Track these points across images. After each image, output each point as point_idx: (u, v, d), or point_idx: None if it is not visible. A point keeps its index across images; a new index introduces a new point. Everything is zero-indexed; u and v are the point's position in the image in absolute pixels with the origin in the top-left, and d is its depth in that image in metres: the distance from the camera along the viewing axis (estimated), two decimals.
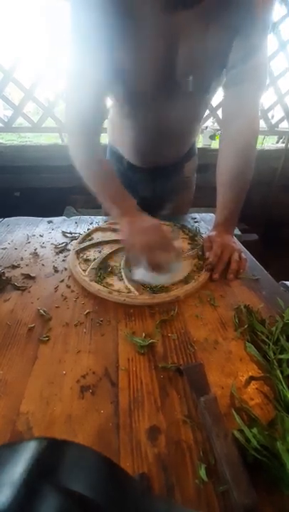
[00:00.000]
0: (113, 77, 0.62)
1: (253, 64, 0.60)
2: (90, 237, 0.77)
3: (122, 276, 0.61)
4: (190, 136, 0.85)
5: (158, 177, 0.88)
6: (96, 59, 0.57)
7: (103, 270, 0.63)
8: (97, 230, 0.80)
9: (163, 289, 0.57)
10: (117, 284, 0.59)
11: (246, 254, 0.72)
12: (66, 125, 0.65)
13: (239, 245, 0.73)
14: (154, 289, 0.57)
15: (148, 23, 0.54)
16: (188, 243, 0.76)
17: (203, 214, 0.96)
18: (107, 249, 0.70)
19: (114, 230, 0.80)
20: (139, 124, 0.75)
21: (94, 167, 0.63)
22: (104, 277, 0.61)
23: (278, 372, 0.40)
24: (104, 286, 0.57)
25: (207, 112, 1.68)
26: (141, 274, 0.57)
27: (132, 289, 0.57)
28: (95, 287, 0.56)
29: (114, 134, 0.87)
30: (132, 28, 0.54)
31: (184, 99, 0.67)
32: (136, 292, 0.56)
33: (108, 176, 0.64)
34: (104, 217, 0.91)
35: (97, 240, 0.74)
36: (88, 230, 0.79)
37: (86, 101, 0.59)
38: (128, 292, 0.56)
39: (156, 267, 0.56)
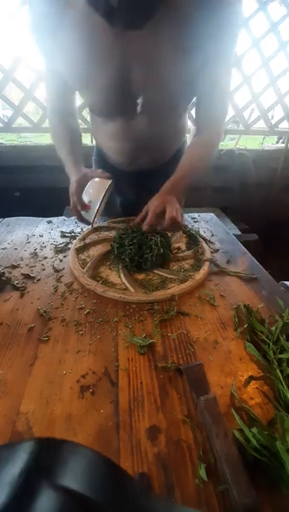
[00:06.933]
0: (76, 87, 0.68)
1: (220, 90, 0.64)
2: (89, 236, 0.77)
3: (119, 274, 0.61)
4: (171, 142, 0.84)
5: (143, 179, 0.85)
6: (53, 64, 0.63)
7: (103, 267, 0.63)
8: (96, 229, 0.81)
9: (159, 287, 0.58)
10: (114, 281, 0.60)
11: (246, 254, 0.73)
12: (47, 111, 0.79)
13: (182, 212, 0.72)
14: (149, 288, 0.57)
15: (99, 40, 0.54)
16: (190, 243, 0.76)
17: (203, 214, 0.96)
18: (105, 248, 0.70)
19: (112, 229, 0.80)
20: (113, 133, 0.75)
21: (62, 135, 0.74)
22: (102, 275, 0.61)
23: (278, 371, 0.40)
24: (101, 283, 0.58)
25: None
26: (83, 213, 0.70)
27: (129, 286, 0.57)
28: (92, 284, 0.57)
29: (98, 135, 0.86)
30: (85, 43, 0.55)
31: (149, 114, 0.67)
32: (132, 290, 0.56)
33: (71, 145, 0.74)
34: (103, 217, 0.91)
35: (96, 239, 0.74)
36: (88, 229, 0.79)
37: (56, 93, 0.71)
38: (124, 290, 0.57)
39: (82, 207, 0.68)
